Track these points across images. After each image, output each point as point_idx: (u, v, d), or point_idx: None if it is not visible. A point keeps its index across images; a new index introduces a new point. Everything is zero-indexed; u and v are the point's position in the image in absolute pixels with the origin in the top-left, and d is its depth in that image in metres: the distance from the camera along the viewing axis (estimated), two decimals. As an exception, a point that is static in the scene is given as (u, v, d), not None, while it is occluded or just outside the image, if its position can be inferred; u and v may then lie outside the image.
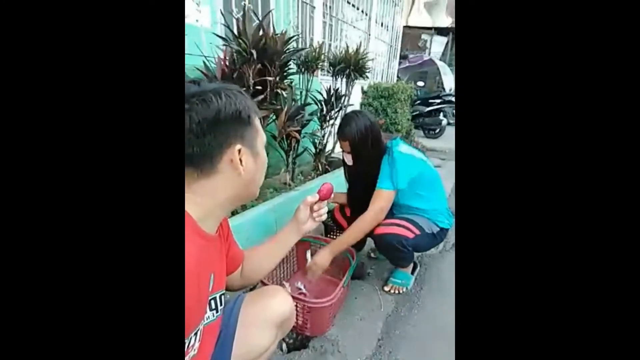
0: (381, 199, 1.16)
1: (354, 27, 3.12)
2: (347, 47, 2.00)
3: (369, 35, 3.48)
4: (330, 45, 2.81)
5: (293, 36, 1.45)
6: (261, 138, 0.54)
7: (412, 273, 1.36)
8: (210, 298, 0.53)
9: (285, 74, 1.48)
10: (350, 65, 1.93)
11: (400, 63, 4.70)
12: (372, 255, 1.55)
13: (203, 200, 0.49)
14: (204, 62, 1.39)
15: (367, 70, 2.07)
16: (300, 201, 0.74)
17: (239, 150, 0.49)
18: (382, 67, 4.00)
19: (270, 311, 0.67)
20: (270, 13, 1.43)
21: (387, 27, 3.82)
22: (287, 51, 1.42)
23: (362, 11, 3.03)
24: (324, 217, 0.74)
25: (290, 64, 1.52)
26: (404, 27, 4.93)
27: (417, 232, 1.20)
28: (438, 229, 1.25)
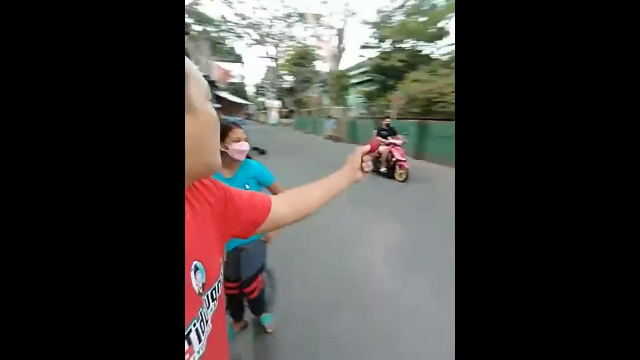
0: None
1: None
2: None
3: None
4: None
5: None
6: (199, 87, 0.39)
7: (268, 311, 1.73)
8: (210, 290, 0.44)
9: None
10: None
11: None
12: None
13: None
14: None
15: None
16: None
17: None
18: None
19: None
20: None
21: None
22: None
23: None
24: (370, 168, 0.74)
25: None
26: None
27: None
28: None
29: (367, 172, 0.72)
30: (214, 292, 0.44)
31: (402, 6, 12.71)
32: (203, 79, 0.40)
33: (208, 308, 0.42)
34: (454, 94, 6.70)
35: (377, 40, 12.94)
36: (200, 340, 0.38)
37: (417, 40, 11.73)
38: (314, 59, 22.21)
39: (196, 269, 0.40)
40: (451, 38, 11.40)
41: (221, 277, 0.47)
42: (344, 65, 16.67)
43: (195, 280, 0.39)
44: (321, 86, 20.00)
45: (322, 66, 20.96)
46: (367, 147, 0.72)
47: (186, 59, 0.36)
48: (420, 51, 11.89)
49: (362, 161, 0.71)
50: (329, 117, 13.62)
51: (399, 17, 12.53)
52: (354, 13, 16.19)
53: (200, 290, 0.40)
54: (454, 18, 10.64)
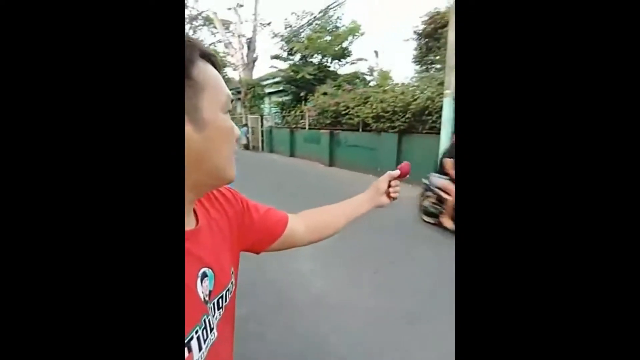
0: None
1: None
2: None
3: None
4: None
5: None
6: (215, 99, 0.36)
7: None
8: (217, 298, 0.43)
9: None
10: None
11: None
12: None
13: None
14: None
15: None
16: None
17: None
18: None
19: None
20: None
21: None
22: None
23: None
24: (398, 195, 0.70)
25: None
26: None
27: None
28: None
29: (394, 198, 0.69)
30: (220, 300, 0.44)
31: (310, 24, 13.64)
32: (224, 90, 0.38)
33: (214, 316, 0.41)
34: (358, 107, 7.67)
35: (287, 53, 13.49)
36: (200, 348, 0.37)
37: (324, 57, 12.75)
38: (225, 65, 21.54)
39: (204, 275, 0.40)
40: (352, 57, 12.83)
41: (230, 287, 0.47)
42: (256, 74, 16.75)
43: (201, 287, 0.39)
44: (234, 94, 19.58)
45: (233, 73, 20.52)
46: (396, 172, 0.68)
47: (210, 68, 0.36)
48: (328, 66, 12.94)
49: (389, 186, 0.68)
50: (244, 125, 13.46)
51: (307, 33, 13.39)
52: (263, 25, 16.46)
53: (207, 298, 0.40)
54: (355, 39, 12.37)
